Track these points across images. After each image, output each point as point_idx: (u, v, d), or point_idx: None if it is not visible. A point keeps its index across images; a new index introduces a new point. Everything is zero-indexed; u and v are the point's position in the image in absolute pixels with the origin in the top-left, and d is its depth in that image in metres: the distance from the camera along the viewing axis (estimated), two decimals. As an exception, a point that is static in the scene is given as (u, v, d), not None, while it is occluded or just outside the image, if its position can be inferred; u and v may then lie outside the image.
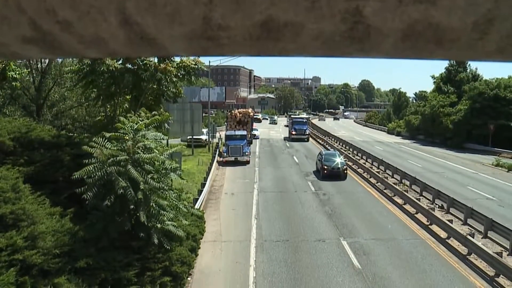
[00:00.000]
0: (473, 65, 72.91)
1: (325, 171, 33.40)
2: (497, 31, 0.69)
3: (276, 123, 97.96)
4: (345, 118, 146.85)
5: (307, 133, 62.06)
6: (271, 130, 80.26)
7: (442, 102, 67.13)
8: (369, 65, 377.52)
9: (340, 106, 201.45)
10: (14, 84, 19.80)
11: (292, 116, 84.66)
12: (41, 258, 10.79)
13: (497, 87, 59.57)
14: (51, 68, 29.29)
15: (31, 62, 28.45)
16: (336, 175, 33.06)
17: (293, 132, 60.30)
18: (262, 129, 70.94)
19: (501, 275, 16.07)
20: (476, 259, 17.73)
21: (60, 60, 28.31)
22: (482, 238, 20.63)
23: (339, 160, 34.69)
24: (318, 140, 62.13)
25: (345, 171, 33.97)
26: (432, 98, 71.28)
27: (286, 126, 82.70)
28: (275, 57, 0.84)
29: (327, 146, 54.58)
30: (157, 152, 13.55)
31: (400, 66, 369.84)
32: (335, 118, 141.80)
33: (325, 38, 0.71)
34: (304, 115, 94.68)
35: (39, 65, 29.08)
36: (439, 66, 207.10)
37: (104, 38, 0.74)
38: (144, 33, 0.73)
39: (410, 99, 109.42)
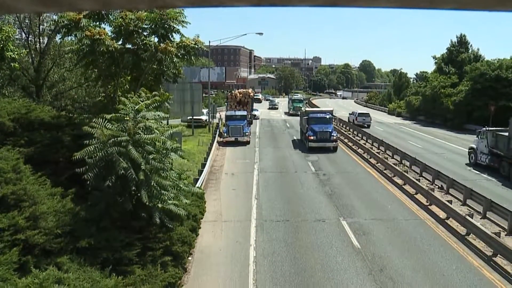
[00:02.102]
0: (475, 45, 72.58)
1: None
2: None
3: (276, 108, 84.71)
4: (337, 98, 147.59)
5: (334, 137, 38.06)
6: (272, 110, 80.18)
7: (443, 83, 66.81)
8: (370, 45, 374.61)
9: (340, 86, 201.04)
10: (12, 64, 19.68)
11: (302, 106, 66.46)
12: (43, 238, 10.86)
13: (498, 67, 59.17)
14: (50, 48, 29.05)
15: (29, 42, 28.25)
16: None
17: (311, 137, 37.10)
18: (262, 110, 70.76)
19: (498, 255, 16.23)
20: (475, 239, 17.88)
21: (59, 40, 28.08)
22: (481, 218, 20.77)
23: None
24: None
25: None
26: (433, 79, 70.92)
27: (288, 114, 72.33)
28: (276, 7, 0.82)
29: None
30: (157, 132, 13.53)
31: (401, 46, 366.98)
32: (343, 98, 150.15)
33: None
34: (301, 97, 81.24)
35: (37, 45, 28.86)
36: (440, 47, 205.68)
37: None
38: None
39: (411, 80, 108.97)
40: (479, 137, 33.57)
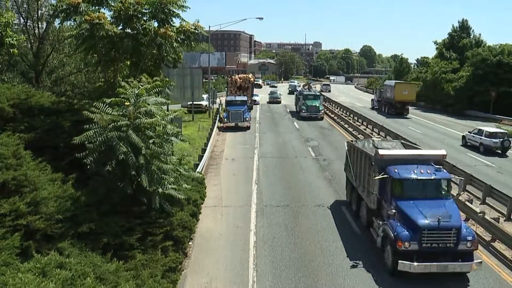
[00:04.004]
0: (476, 30, 72.20)
1: None
2: None
3: (279, 102, 66.51)
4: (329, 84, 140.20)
5: (470, 240, 13.62)
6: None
7: (444, 68, 66.50)
8: (371, 30, 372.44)
9: (340, 72, 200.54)
10: (11, 50, 19.55)
11: (320, 105, 48.90)
12: (44, 223, 10.90)
13: (500, 53, 58.84)
14: (49, 33, 28.89)
15: (28, 27, 28.09)
16: None
17: (406, 245, 13.47)
18: (262, 95, 70.56)
19: (497, 240, 16.32)
20: (474, 225, 17.93)
21: (58, 25, 27.93)
22: (480, 204, 20.85)
23: None
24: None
25: None
26: (434, 64, 70.58)
27: (299, 117, 48.93)
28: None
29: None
30: (158, 117, 13.49)
31: (402, 31, 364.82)
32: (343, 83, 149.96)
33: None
34: (317, 91, 57.90)
35: (36, 31, 28.71)
36: (442, 32, 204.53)
37: None
38: None
39: (412, 65, 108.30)
40: (374, 93, 70.94)
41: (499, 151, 33.42)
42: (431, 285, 13.41)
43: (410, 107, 58.04)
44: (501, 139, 33.50)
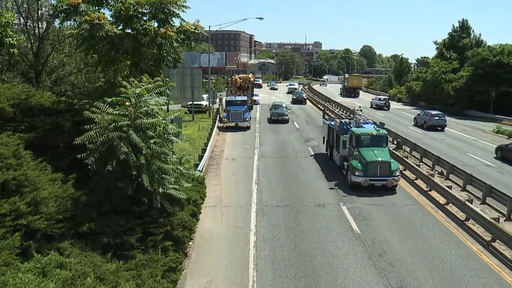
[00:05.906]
0: (477, 30, 72.36)
1: None
2: None
3: (286, 119, 45.84)
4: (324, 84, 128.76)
5: None
6: (272, 96, 79.57)
7: (444, 69, 66.50)
8: (371, 30, 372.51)
9: (340, 72, 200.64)
10: (11, 50, 19.55)
11: (389, 160, 22.82)
12: (45, 223, 10.90)
13: (500, 53, 58.80)
14: (49, 33, 28.88)
15: (28, 27, 28.10)
16: None
17: None
18: (262, 95, 70.48)
19: (497, 240, 16.33)
20: (474, 225, 17.96)
21: (58, 25, 27.94)
22: (480, 204, 20.86)
23: None
24: (319, 106, 61.99)
25: None
26: (434, 64, 70.58)
27: (350, 184, 22.93)
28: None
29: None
30: (159, 117, 13.49)
31: (402, 31, 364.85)
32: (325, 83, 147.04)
33: None
34: (380, 130, 24.16)
35: (36, 31, 28.70)
36: (442, 32, 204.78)
37: None
38: None
39: (412, 65, 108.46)
40: (341, 83, 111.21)
41: (385, 108, 63.33)
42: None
43: (409, 107, 57.91)
44: (384, 101, 65.30)
